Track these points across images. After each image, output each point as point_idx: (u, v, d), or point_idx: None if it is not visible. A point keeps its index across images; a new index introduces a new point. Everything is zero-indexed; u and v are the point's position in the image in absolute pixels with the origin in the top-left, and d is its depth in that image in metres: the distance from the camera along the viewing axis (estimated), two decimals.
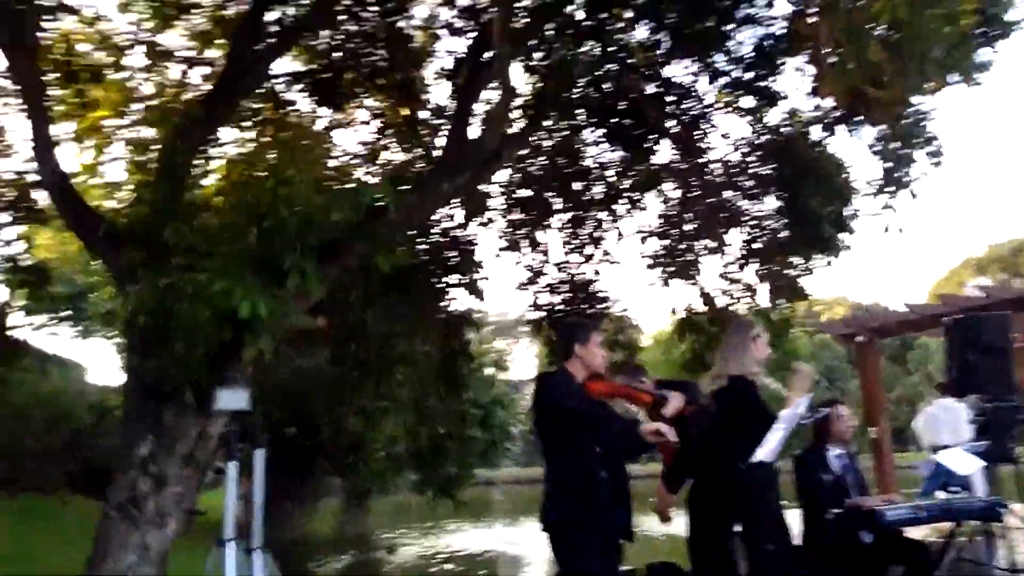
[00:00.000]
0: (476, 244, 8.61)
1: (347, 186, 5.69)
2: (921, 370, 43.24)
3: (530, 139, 7.91)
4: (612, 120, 9.21)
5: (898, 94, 6.02)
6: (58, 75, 9.00)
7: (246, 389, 3.92)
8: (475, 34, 7.10)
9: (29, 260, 8.19)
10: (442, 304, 7.60)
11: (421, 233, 7.99)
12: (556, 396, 3.24)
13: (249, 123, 9.01)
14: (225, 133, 10.17)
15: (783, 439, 3.16)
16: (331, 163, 9.09)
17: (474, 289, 7.59)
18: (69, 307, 11.54)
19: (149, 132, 9.04)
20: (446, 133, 6.85)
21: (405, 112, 8.03)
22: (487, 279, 7.88)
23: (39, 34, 8.54)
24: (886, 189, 6.79)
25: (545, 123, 10.05)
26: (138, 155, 8.57)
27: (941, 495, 3.89)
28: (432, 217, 8.56)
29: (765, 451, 3.09)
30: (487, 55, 6.38)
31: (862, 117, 7.01)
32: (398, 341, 7.68)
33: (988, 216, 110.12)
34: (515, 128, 7.37)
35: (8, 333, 8.53)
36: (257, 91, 9.73)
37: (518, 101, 9.93)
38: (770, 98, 8.47)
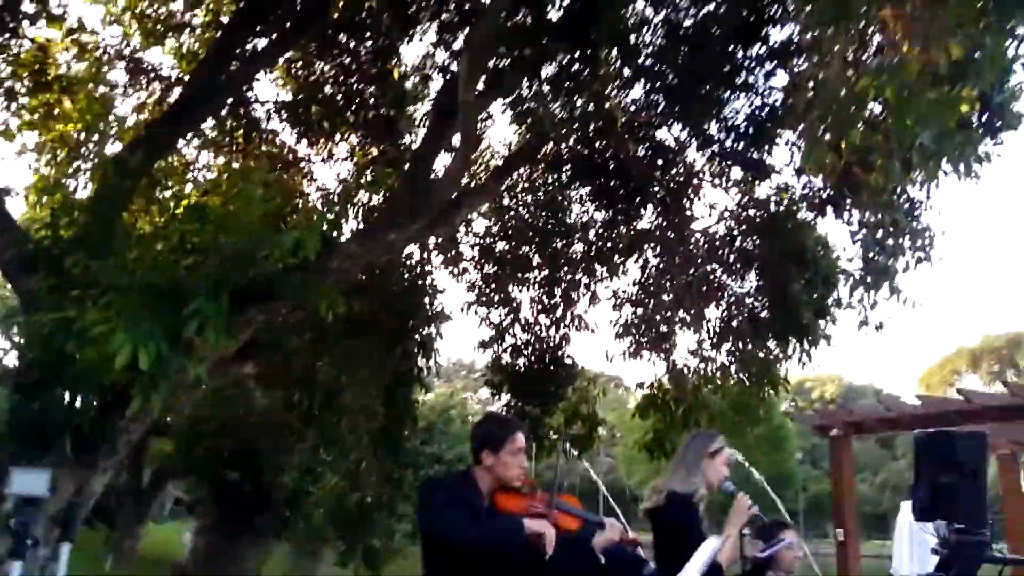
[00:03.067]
0: (441, 293, 8.16)
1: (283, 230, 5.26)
2: (908, 455, 42.48)
3: (500, 192, 7.52)
4: (598, 179, 8.91)
5: (886, 179, 5.66)
6: (29, 83, 8.76)
7: (46, 471, 3.40)
8: (447, 79, 6.78)
9: None
10: (394, 357, 7.14)
11: (381, 279, 7.58)
12: (430, 520, 2.60)
13: (212, 150, 8.71)
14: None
15: None
16: (299, 200, 8.77)
17: (427, 348, 7.12)
18: None
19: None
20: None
21: (376, 151, 7.68)
22: (441, 337, 7.38)
23: (14, 39, 8.32)
24: (866, 280, 6.37)
25: (529, 176, 9.78)
26: (99, 171, 8.25)
27: None
28: (399, 264, 8.20)
29: None
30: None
31: (850, 200, 6.62)
32: (346, 393, 7.22)
33: (985, 306, 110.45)
34: (481, 180, 6.96)
35: None
36: (234, 116, 9.50)
37: (503, 150, 9.68)
38: (760, 171, 8.14)
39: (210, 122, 8.79)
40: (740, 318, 7.89)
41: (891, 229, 6.45)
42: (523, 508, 2.65)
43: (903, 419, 7.80)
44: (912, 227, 6.29)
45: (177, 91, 9.55)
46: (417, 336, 7.26)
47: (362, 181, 8.63)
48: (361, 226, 7.65)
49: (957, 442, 4.77)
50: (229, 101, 7.99)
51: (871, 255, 6.38)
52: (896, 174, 4.69)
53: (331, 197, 7.70)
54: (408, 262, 7.84)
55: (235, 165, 9.32)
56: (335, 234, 6.32)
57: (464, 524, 2.51)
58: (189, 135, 7.58)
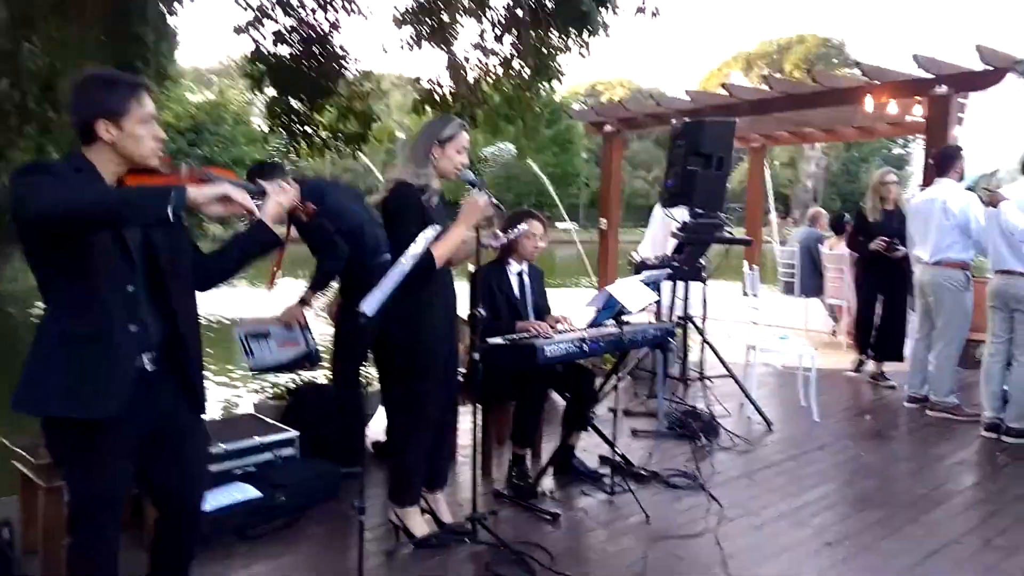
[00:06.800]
0: None
1: None
2: None
3: None
4: None
5: None
6: None
7: None
8: None
9: None
10: (116, 43, 5.92)
11: None
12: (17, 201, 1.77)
13: None
14: None
15: (390, 288, 2.45)
16: None
17: (157, 30, 5.97)
18: None
19: None
20: None
21: None
22: (173, 14, 6.22)
23: None
24: None
25: None
26: None
27: (611, 325, 3.56)
28: None
29: (369, 301, 2.40)
30: None
31: None
32: (61, 83, 6.02)
33: (765, 12, 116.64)
34: None
35: None
36: None
37: None
38: None
39: None
40: (524, 6, 7.33)
41: None
42: (160, 184, 2.09)
43: (670, 114, 8.04)
44: None
45: None
46: (143, 17, 6.02)
47: None
48: None
49: (706, 131, 4.91)
50: None
51: None
52: None
53: None
54: None
55: None
56: None
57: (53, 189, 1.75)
58: None
